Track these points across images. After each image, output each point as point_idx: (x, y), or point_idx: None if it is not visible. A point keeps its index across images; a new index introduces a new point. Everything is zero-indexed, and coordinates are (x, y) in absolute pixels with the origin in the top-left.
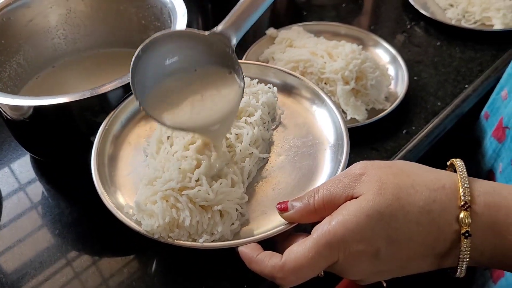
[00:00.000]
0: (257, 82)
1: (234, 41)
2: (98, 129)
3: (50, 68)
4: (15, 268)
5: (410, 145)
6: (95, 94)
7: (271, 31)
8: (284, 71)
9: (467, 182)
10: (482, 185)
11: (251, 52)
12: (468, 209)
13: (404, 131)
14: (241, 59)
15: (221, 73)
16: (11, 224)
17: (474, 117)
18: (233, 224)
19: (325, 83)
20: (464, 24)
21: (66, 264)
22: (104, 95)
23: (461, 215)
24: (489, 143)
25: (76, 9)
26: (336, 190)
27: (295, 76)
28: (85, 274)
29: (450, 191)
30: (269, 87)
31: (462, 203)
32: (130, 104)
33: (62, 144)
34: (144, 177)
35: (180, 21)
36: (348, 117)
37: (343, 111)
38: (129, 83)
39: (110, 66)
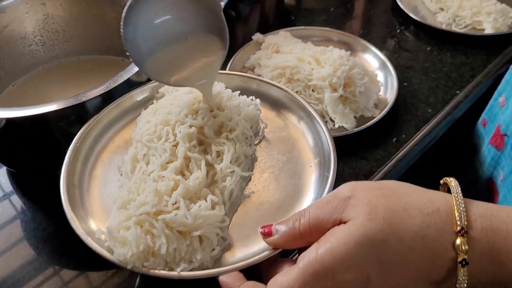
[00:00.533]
0: (239, 94)
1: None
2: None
3: (27, 76)
4: None
5: (400, 154)
6: (71, 105)
7: (257, 36)
8: (267, 82)
9: (462, 205)
10: (478, 208)
11: (237, 58)
12: (465, 235)
13: (394, 139)
14: (226, 65)
15: (209, 38)
16: None
17: (471, 123)
18: (213, 250)
19: (312, 90)
20: (455, 28)
21: (42, 282)
22: (81, 105)
23: (458, 241)
24: (487, 150)
25: (54, 14)
26: (323, 214)
27: (280, 88)
28: None
29: (445, 215)
30: (252, 99)
31: (458, 228)
32: (104, 119)
33: (37, 156)
34: (118, 199)
35: None
36: (336, 125)
37: (331, 119)
38: (106, 92)
39: (90, 73)
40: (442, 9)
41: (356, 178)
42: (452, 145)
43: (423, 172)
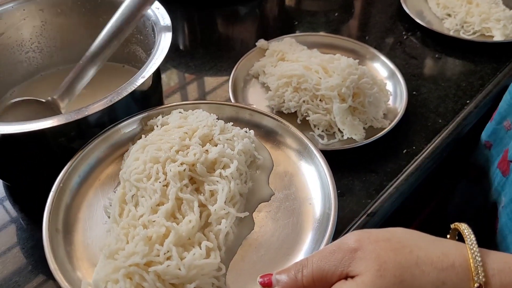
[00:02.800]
0: (232, 125)
1: (66, 103)
2: (74, 154)
3: (24, 84)
4: None
5: (412, 167)
6: (72, 120)
7: (261, 42)
8: (261, 112)
9: (479, 259)
10: (495, 261)
11: (240, 65)
12: None
13: (405, 151)
14: (230, 72)
15: None
16: None
17: (472, 136)
18: None
19: (320, 100)
20: (463, 35)
21: None
22: (82, 120)
23: None
24: (495, 174)
25: (52, 20)
26: (328, 266)
27: (274, 118)
28: None
29: (461, 270)
30: (246, 131)
31: (476, 285)
32: (89, 154)
33: (35, 172)
34: (105, 247)
35: (165, 35)
36: (345, 137)
37: (339, 130)
38: (110, 106)
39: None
40: (449, 15)
41: (366, 192)
42: (458, 162)
43: (428, 194)
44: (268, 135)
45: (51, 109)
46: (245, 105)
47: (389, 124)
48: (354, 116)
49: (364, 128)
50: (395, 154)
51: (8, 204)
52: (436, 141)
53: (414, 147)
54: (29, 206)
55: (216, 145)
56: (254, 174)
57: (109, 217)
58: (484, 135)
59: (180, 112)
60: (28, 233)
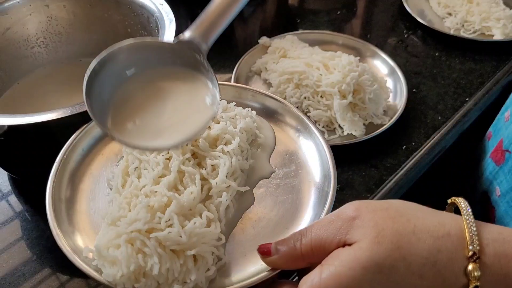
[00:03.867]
0: (235, 105)
1: (205, 47)
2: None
3: (29, 78)
4: None
5: (411, 162)
6: (77, 112)
7: (264, 39)
8: (263, 93)
9: (474, 228)
10: (490, 232)
11: (243, 62)
12: (477, 261)
13: (404, 147)
14: (233, 68)
15: (191, 89)
16: None
17: (479, 135)
18: (208, 270)
19: (321, 96)
20: (463, 33)
21: (39, 282)
22: (86, 112)
23: (470, 267)
24: (486, 164)
25: (58, 16)
26: (326, 234)
27: (275, 99)
28: None
29: (456, 239)
30: (248, 111)
31: (470, 253)
32: (92, 130)
33: (41, 163)
34: (107, 215)
35: (168, 31)
36: (345, 133)
37: (339, 126)
38: None
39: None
40: (450, 14)
41: (366, 186)
42: (458, 157)
43: (434, 185)
44: (269, 115)
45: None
46: (246, 86)
47: (389, 120)
48: (354, 112)
49: (364, 124)
50: (395, 150)
51: (13, 197)
52: (435, 138)
53: (413, 143)
54: (34, 198)
55: (218, 123)
56: (255, 152)
57: (111, 189)
58: (491, 127)
59: None
60: (32, 224)
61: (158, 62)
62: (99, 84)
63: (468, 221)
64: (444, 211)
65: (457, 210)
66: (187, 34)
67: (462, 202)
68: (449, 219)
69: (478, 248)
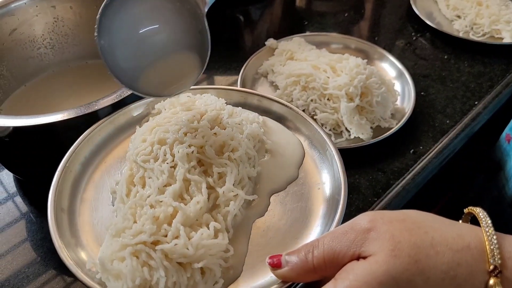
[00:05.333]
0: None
1: (206, 7)
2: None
3: (35, 80)
4: None
5: (418, 167)
6: (82, 114)
7: (271, 41)
8: (269, 98)
9: (495, 241)
10: (511, 244)
11: (249, 64)
12: (499, 275)
13: (412, 150)
14: (239, 71)
15: (190, 56)
16: None
17: (492, 137)
18: (216, 283)
19: (327, 99)
20: (473, 36)
21: (44, 284)
22: (92, 114)
23: (491, 281)
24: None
25: (64, 17)
26: (339, 246)
27: (282, 104)
28: None
29: (476, 252)
30: (254, 116)
31: (491, 267)
32: (96, 137)
33: (45, 165)
34: (111, 226)
35: None
36: (352, 136)
37: (346, 129)
38: (119, 100)
39: (98, 78)
40: (459, 17)
41: (373, 190)
42: (474, 160)
43: (443, 188)
44: (277, 120)
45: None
46: (253, 90)
47: (397, 124)
48: (361, 115)
49: (371, 127)
50: (402, 153)
51: (18, 198)
52: (444, 142)
53: (421, 147)
54: (39, 199)
55: (224, 129)
56: (262, 159)
57: (115, 198)
58: (507, 128)
59: (188, 96)
60: (37, 225)
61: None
62: (111, 31)
63: (488, 233)
64: (461, 221)
65: (473, 221)
66: None
67: (480, 213)
68: (468, 230)
69: (499, 262)
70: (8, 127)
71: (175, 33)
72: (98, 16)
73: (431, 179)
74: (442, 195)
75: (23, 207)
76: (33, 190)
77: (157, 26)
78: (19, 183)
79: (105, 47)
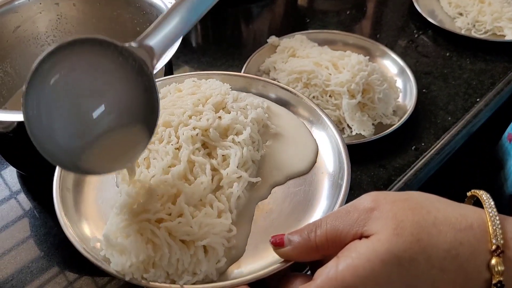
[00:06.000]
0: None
1: (155, 62)
2: None
3: None
4: None
5: (420, 163)
6: None
7: (272, 39)
8: (274, 84)
9: (498, 221)
10: None
11: (251, 61)
12: (501, 255)
13: (413, 147)
14: (241, 68)
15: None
16: None
17: (495, 135)
18: (219, 261)
19: (329, 96)
20: (475, 34)
21: (47, 281)
22: None
23: (493, 261)
24: None
25: (68, 14)
26: (342, 225)
27: (287, 90)
28: None
29: (479, 232)
30: (259, 101)
31: (493, 247)
32: None
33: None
34: (116, 204)
35: None
36: (354, 133)
37: (348, 126)
38: None
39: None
40: (461, 14)
41: (375, 186)
42: (476, 158)
43: (444, 184)
44: (282, 106)
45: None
46: (257, 76)
47: (398, 120)
48: (363, 112)
49: (373, 124)
50: (404, 150)
51: (22, 194)
52: (445, 138)
53: (423, 144)
54: (42, 195)
55: (229, 113)
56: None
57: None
58: (510, 128)
59: (193, 81)
60: (41, 221)
61: (103, 72)
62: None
63: (491, 214)
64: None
65: (476, 204)
66: (144, 40)
67: (483, 195)
68: (471, 211)
69: (501, 242)
70: (12, 122)
71: (119, 103)
72: (24, 87)
73: (432, 176)
74: (444, 192)
75: (27, 203)
76: (37, 186)
77: (98, 98)
78: (22, 179)
79: (33, 119)
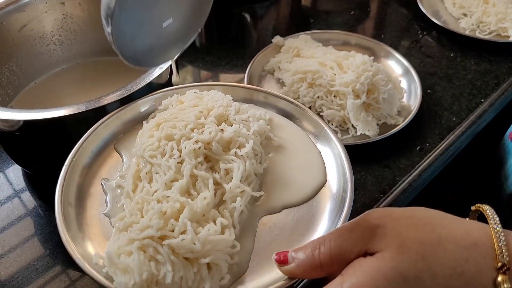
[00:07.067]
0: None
1: None
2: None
3: (45, 77)
4: None
5: (425, 163)
6: (92, 108)
7: (277, 39)
8: (275, 95)
9: (503, 237)
10: None
11: (256, 61)
12: (507, 272)
13: (418, 147)
14: (246, 68)
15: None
16: None
17: (498, 134)
18: (223, 278)
19: (334, 96)
20: (479, 34)
21: (50, 280)
22: (101, 108)
23: (499, 279)
24: None
25: (73, 14)
26: (346, 243)
27: (289, 101)
28: None
29: (484, 249)
30: (261, 113)
31: (499, 264)
32: (103, 132)
33: (54, 159)
34: (118, 220)
35: None
36: (358, 133)
37: (352, 126)
38: (128, 95)
39: (107, 74)
40: (465, 15)
41: (379, 187)
42: (478, 157)
43: (448, 185)
44: (284, 117)
45: None
46: (259, 87)
47: (403, 121)
48: (368, 112)
49: (377, 124)
50: (409, 150)
51: (27, 192)
52: (450, 139)
53: (427, 144)
54: (47, 194)
55: (231, 125)
56: (267, 156)
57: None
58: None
59: (195, 93)
60: (45, 219)
61: None
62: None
63: (496, 230)
64: (468, 219)
65: (480, 217)
66: None
67: (488, 210)
68: (475, 227)
69: (507, 259)
70: (18, 121)
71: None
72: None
73: (437, 176)
74: (449, 192)
75: (32, 201)
76: (42, 185)
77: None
78: (27, 177)
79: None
